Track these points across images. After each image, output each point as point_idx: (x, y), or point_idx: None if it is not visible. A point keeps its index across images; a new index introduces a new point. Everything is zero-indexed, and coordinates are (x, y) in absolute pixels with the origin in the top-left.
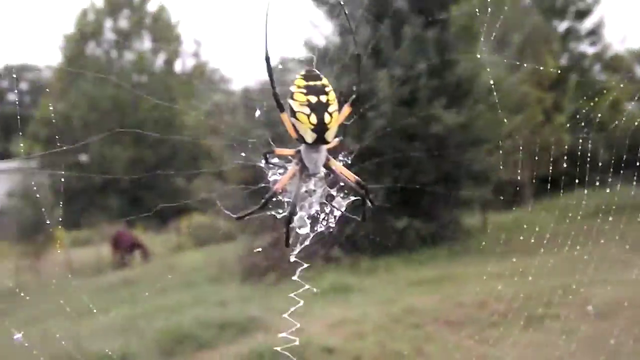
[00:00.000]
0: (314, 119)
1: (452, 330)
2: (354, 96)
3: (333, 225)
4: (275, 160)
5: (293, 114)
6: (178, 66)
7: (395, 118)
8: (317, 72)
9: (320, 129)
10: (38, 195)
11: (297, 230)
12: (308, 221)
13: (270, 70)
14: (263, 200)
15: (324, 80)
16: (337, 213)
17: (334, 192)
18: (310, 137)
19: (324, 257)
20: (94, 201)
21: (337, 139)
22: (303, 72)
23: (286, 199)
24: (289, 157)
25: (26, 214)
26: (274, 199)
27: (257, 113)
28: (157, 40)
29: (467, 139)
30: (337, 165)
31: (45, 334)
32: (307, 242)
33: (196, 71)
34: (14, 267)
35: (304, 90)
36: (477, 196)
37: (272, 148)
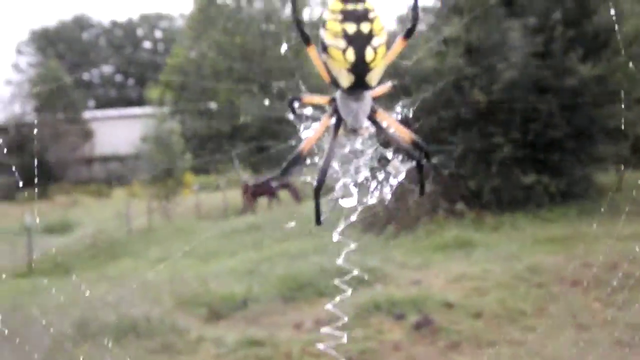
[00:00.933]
0: (351, 55)
1: (578, 291)
2: (409, 26)
3: (389, 196)
4: (309, 110)
5: (324, 48)
6: (306, 15)
7: (526, 70)
8: None
9: (360, 69)
10: (170, 141)
11: (340, 201)
12: (355, 190)
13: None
14: (284, 165)
15: (368, 3)
16: (394, 181)
17: (388, 153)
18: (346, 80)
19: (447, 210)
20: (222, 148)
21: (387, 84)
22: None
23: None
24: (323, 105)
25: (158, 158)
26: (299, 164)
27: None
28: None
29: (604, 92)
30: (388, 119)
31: (174, 273)
32: (353, 218)
33: (323, 19)
34: (147, 208)
35: (340, 16)
36: (612, 153)
37: (299, 95)
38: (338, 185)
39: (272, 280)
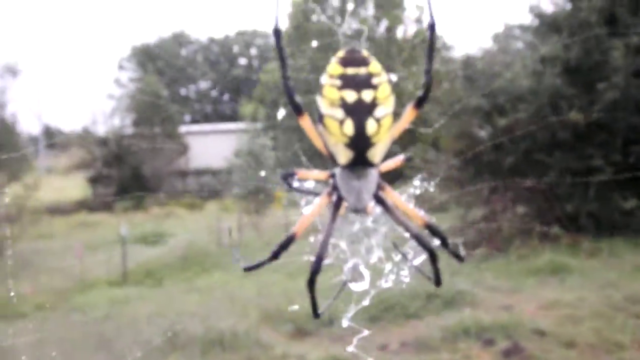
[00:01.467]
0: (349, 127)
1: None
2: (420, 93)
3: (407, 279)
4: (311, 184)
5: (320, 118)
6: (399, 32)
7: (628, 90)
8: (363, 52)
9: (360, 144)
10: (262, 156)
11: (350, 285)
12: (366, 273)
13: (280, 47)
14: (275, 249)
15: (373, 66)
16: (411, 264)
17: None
18: (343, 156)
19: (541, 235)
20: (313, 164)
21: (399, 157)
22: (341, 53)
23: (331, 240)
24: (322, 181)
25: (250, 172)
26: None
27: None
28: (380, 7)
29: None
30: (396, 199)
31: (261, 288)
32: (366, 302)
33: (417, 38)
34: (237, 223)
35: (339, 82)
36: None
37: (293, 170)
38: (347, 267)
39: (358, 300)
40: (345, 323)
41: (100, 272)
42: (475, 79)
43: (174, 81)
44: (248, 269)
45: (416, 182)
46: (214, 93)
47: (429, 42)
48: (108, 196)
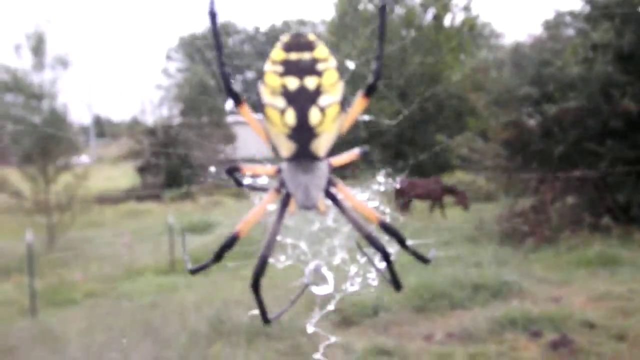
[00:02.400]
0: (290, 117)
1: None
2: (371, 80)
3: (374, 282)
4: (262, 180)
5: (262, 108)
6: (447, 20)
7: None
8: (309, 35)
9: (302, 135)
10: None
11: (312, 289)
12: (329, 275)
13: (216, 30)
14: (217, 251)
15: (319, 50)
16: (381, 263)
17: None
18: (285, 148)
19: (591, 225)
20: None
21: (354, 151)
22: (285, 37)
23: (289, 240)
24: (269, 176)
25: None
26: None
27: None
28: None
29: None
30: (349, 196)
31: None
32: (330, 307)
33: (465, 25)
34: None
35: (281, 69)
36: None
37: (237, 164)
38: (307, 269)
39: (404, 290)
40: (310, 329)
41: (148, 260)
42: (524, 66)
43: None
44: (193, 271)
45: (380, 178)
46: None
47: (380, 24)
48: (156, 185)
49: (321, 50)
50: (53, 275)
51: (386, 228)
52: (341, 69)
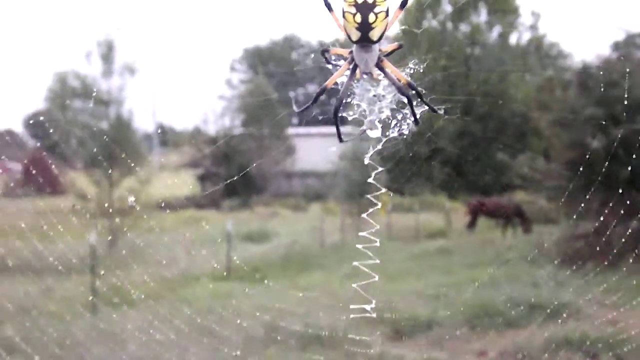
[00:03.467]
0: (358, 17)
1: None
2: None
3: (406, 132)
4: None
5: (343, 14)
6: (513, 39)
7: None
8: None
9: (364, 28)
10: (367, 161)
11: (368, 132)
12: (379, 125)
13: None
14: (315, 95)
15: None
16: (411, 120)
17: (404, 98)
18: (354, 35)
19: None
20: (420, 170)
21: (394, 44)
22: None
23: (355, 102)
24: (344, 56)
25: (354, 176)
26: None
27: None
28: (493, 13)
29: None
30: (390, 66)
31: (360, 290)
32: (379, 147)
33: (531, 44)
34: (340, 225)
35: None
36: None
37: (329, 47)
38: (366, 121)
39: (459, 306)
40: (366, 160)
41: (206, 267)
42: (590, 87)
43: (284, 84)
44: (300, 111)
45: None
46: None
47: None
48: (216, 194)
49: None
50: (113, 276)
51: (410, 85)
52: None
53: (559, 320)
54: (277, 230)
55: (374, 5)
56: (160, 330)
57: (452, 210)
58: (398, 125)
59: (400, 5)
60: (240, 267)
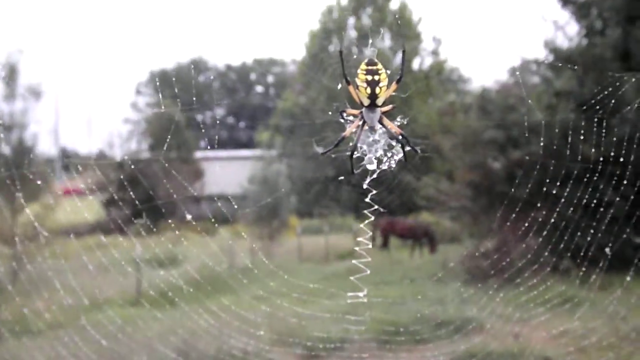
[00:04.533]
0: (368, 90)
1: None
2: (399, 77)
3: (394, 165)
4: (350, 118)
5: (357, 87)
6: (416, 64)
7: None
8: (375, 60)
9: (373, 97)
10: (276, 183)
11: (367, 166)
12: (375, 161)
13: (342, 61)
14: (335, 142)
15: (379, 66)
16: (397, 157)
17: (393, 142)
18: (365, 101)
19: (552, 266)
20: (326, 192)
21: (390, 105)
22: (366, 60)
23: (359, 145)
24: (356, 115)
25: (264, 199)
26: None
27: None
28: (397, 38)
29: None
30: (389, 123)
31: (271, 311)
32: (374, 175)
33: (433, 69)
34: (250, 248)
35: (365, 71)
36: None
37: (345, 109)
38: (366, 158)
39: (369, 324)
40: (365, 185)
41: (114, 293)
42: (490, 111)
43: (191, 107)
44: (323, 153)
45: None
46: (230, 120)
47: (402, 61)
48: (122, 219)
49: (380, 65)
50: (17, 305)
51: (402, 136)
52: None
53: (465, 336)
54: (186, 254)
55: (379, 81)
56: (67, 359)
57: (360, 232)
58: (387, 161)
59: (397, 80)
60: (150, 292)
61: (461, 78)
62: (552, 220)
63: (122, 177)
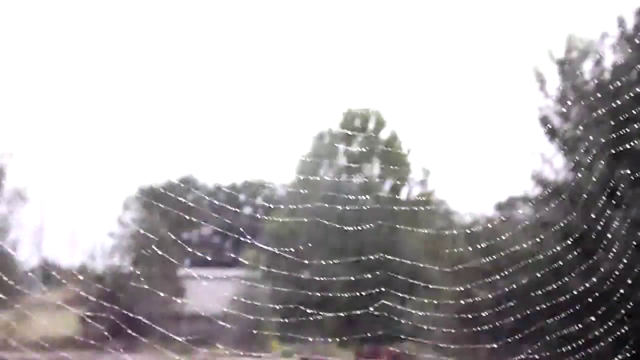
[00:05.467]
0: None
1: None
2: None
3: None
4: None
5: None
6: (404, 193)
7: (629, 262)
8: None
9: None
10: (259, 305)
11: None
12: None
13: None
14: None
15: None
16: None
17: None
18: None
19: None
20: (310, 317)
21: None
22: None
23: None
24: None
25: (245, 321)
26: None
27: None
28: (386, 167)
29: None
30: None
31: None
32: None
33: (421, 199)
34: None
35: None
36: None
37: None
38: None
39: None
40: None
41: None
42: (477, 241)
43: (178, 225)
44: None
45: None
46: (216, 239)
47: None
48: (99, 334)
49: None
50: None
51: None
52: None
53: None
54: None
55: None
56: None
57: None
58: None
59: None
60: None
61: (448, 211)
62: (540, 353)
63: (101, 291)
